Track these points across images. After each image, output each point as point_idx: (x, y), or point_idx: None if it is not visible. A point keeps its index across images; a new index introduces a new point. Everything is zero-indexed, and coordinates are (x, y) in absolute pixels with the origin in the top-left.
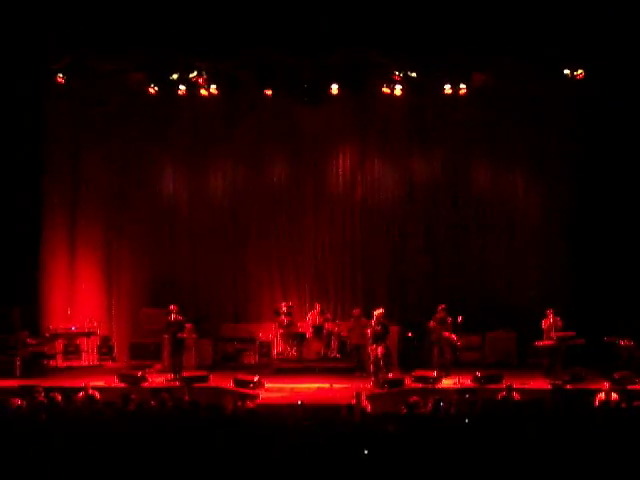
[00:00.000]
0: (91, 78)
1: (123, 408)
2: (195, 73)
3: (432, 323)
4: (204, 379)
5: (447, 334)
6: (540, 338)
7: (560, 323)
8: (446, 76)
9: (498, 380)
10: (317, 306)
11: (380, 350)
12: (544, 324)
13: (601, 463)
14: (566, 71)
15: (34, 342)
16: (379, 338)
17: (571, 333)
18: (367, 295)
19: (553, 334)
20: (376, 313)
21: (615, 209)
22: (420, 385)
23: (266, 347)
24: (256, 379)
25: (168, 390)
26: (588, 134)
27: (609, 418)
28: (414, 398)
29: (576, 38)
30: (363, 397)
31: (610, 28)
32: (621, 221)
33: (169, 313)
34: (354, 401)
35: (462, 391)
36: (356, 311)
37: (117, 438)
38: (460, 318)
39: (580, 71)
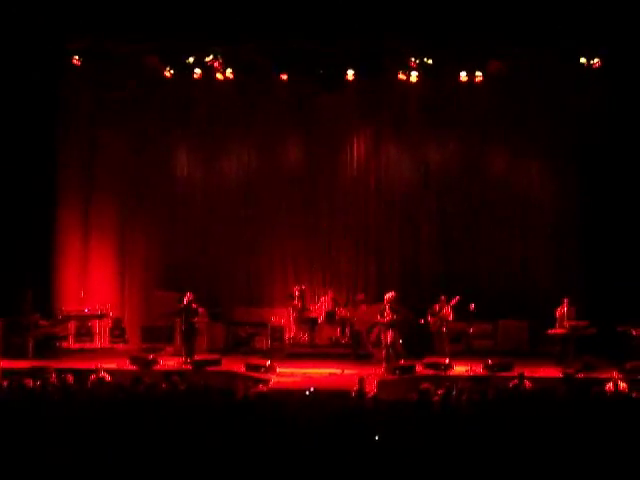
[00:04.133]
0: (107, 61)
1: (133, 391)
2: (211, 57)
3: (430, 319)
4: (216, 363)
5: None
6: (552, 326)
7: (574, 312)
8: (462, 63)
9: (509, 368)
10: (329, 291)
11: (390, 336)
12: (558, 312)
13: (611, 453)
14: (582, 60)
15: (46, 324)
16: (392, 323)
17: (584, 322)
18: (380, 281)
19: (566, 323)
20: (387, 297)
21: (630, 198)
22: (431, 372)
23: (278, 332)
24: (268, 364)
25: (180, 373)
26: (604, 123)
27: (619, 407)
28: (425, 385)
29: (593, 27)
30: (370, 383)
31: (627, 17)
32: (636, 210)
33: (182, 297)
34: (357, 387)
35: (473, 379)
36: (360, 296)
37: (127, 421)
38: (472, 306)
39: (597, 60)
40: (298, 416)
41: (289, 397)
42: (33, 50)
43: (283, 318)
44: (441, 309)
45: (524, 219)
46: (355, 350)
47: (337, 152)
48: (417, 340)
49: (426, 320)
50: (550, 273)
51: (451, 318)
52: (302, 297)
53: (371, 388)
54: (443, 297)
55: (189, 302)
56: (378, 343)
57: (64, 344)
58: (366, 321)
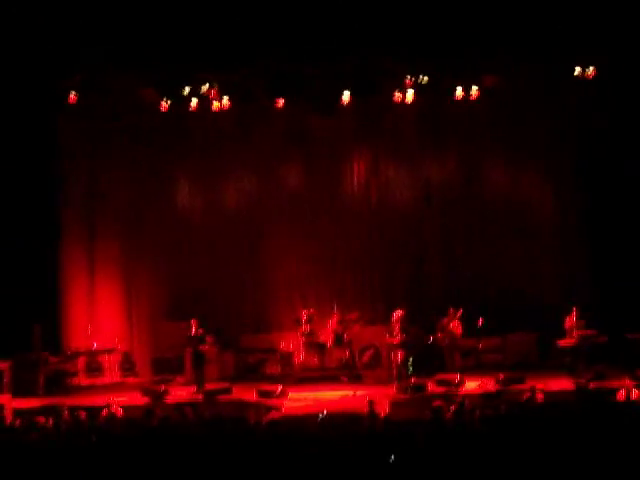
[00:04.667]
0: (104, 95)
1: (146, 424)
2: (206, 86)
3: (439, 334)
4: (227, 391)
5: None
6: (560, 337)
7: (583, 322)
8: (457, 79)
9: (521, 381)
10: (336, 313)
11: (400, 355)
12: (567, 323)
13: (627, 461)
14: (577, 70)
15: (56, 360)
16: (402, 343)
17: (593, 332)
18: (386, 299)
19: (575, 333)
20: (395, 316)
21: (631, 205)
22: (443, 389)
23: (287, 357)
24: (279, 389)
25: (191, 404)
26: (601, 132)
27: (633, 415)
28: (438, 403)
29: (586, 36)
30: (382, 403)
31: (621, 26)
32: (637, 217)
33: (189, 327)
34: (367, 409)
35: (485, 394)
36: (352, 315)
37: (141, 454)
38: (481, 320)
39: (591, 70)
40: (312, 441)
41: (302, 422)
42: (29, 87)
43: (292, 343)
44: (449, 323)
45: (528, 231)
46: (347, 371)
47: (337, 174)
48: (427, 358)
49: (435, 337)
50: (557, 284)
51: (459, 332)
52: (310, 321)
53: (383, 408)
54: (451, 310)
55: (196, 330)
56: (370, 365)
57: (74, 380)
58: (360, 341)
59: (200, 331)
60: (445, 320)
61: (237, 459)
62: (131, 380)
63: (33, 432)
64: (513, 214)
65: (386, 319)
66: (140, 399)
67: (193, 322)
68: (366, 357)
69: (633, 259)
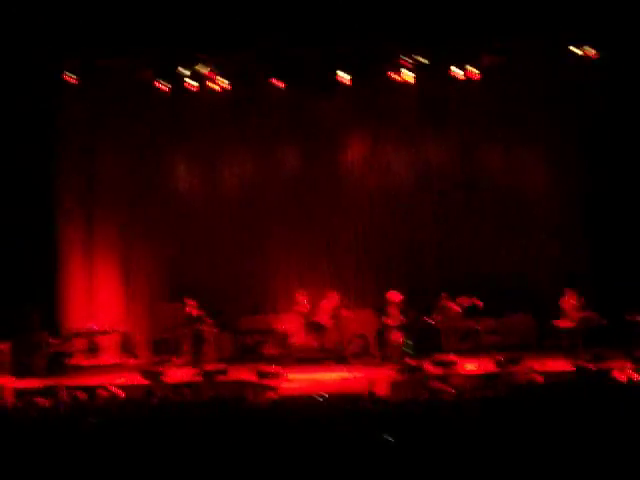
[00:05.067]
0: (102, 77)
1: (146, 404)
2: (205, 67)
3: (437, 317)
4: (225, 372)
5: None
6: (558, 318)
7: (581, 302)
8: (455, 59)
9: (519, 362)
10: (334, 294)
11: (399, 337)
12: (564, 304)
13: (627, 441)
14: (579, 51)
15: (55, 342)
16: (400, 325)
17: (594, 314)
18: (383, 280)
19: (575, 314)
20: (393, 298)
21: (631, 186)
22: (441, 370)
23: (286, 338)
24: (277, 370)
25: (190, 384)
26: (603, 113)
27: (632, 396)
28: (436, 384)
29: (588, 15)
30: (381, 385)
31: (624, 5)
32: (638, 199)
33: (187, 307)
34: (367, 390)
35: (483, 375)
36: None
37: (140, 434)
38: (479, 302)
39: (593, 50)
40: (311, 421)
41: (301, 403)
42: (27, 69)
43: (290, 324)
44: (446, 306)
45: (525, 212)
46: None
47: (335, 155)
48: (426, 339)
49: (433, 318)
50: (554, 264)
51: (458, 315)
52: (308, 302)
53: (382, 390)
54: (444, 294)
55: (195, 311)
56: (359, 355)
57: (73, 361)
58: (350, 330)
59: (199, 312)
60: (441, 303)
61: (236, 439)
62: (130, 361)
63: (32, 413)
64: (512, 195)
65: (381, 302)
66: (139, 380)
67: (191, 303)
68: (355, 347)
69: (631, 239)
